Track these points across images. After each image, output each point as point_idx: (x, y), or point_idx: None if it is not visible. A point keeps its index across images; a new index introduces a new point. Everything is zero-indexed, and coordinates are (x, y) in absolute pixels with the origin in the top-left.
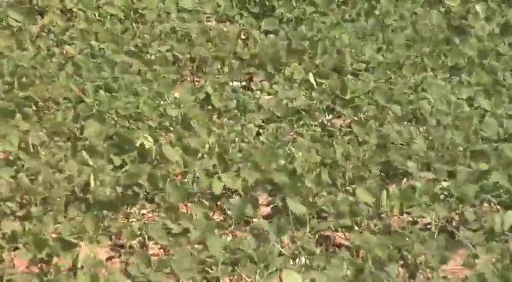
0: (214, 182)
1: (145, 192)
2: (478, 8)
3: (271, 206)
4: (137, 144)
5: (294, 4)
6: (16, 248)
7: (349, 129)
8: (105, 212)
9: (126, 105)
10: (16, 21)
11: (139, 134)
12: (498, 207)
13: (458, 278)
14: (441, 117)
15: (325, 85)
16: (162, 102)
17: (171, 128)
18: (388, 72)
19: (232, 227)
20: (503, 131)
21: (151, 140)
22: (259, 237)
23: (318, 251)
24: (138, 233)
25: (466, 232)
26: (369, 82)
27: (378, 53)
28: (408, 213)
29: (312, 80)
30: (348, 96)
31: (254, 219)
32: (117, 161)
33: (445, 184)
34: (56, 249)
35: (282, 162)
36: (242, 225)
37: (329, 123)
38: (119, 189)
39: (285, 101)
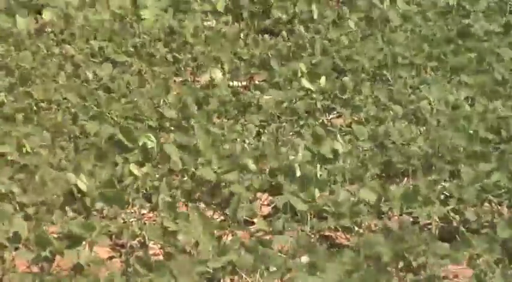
0: (214, 179)
1: (145, 191)
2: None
3: (272, 205)
4: (140, 144)
5: (293, 4)
6: (17, 248)
7: (349, 129)
8: (105, 211)
9: (125, 105)
10: (15, 22)
11: (142, 134)
12: (499, 207)
13: (459, 278)
14: (441, 117)
15: (325, 85)
16: (161, 102)
17: (171, 128)
18: (389, 72)
19: (232, 227)
20: (503, 131)
21: (154, 139)
22: (259, 237)
23: (318, 251)
24: (138, 233)
25: (466, 232)
26: (369, 82)
27: (378, 53)
28: (408, 213)
29: (306, 84)
30: (347, 96)
31: (254, 219)
32: (119, 160)
33: (445, 184)
34: (57, 249)
35: (283, 162)
36: (242, 225)
37: (329, 123)
38: (119, 189)
39: (284, 101)
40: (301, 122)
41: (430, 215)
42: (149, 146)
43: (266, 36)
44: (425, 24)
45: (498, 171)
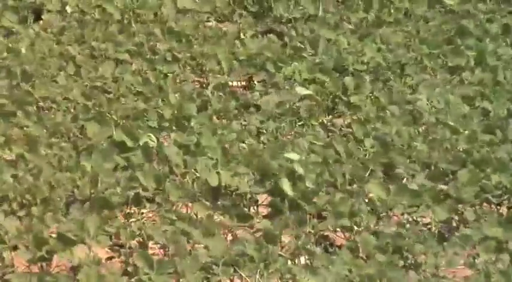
0: (214, 180)
1: (146, 191)
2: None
3: (271, 206)
4: (141, 143)
5: (293, 4)
6: (16, 248)
7: (350, 130)
8: (105, 211)
9: (126, 105)
10: (13, 22)
11: (143, 133)
12: (498, 207)
13: (459, 278)
14: (441, 117)
15: (326, 85)
16: (161, 102)
17: (171, 128)
18: (388, 72)
19: (232, 227)
20: (503, 131)
21: (154, 139)
22: (259, 237)
23: (318, 251)
24: (138, 233)
25: (466, 232)
26: (369, 82)
27: (378, 54)
28: (408, 213)
29: (303, 91)
30: (349, 97)
31: (254, 219)
32: (119, 160)
33: (444, 186)
34: (57, 249)
35: (283, 162)
36: (242, 225)
37: (329, 123)
38: (119, 189)
39: (285, 101)
40: (301, 122)
41: (429, 215)
42: (150, 146)
43: (266, 35)
44: (424, 24)
45: (497, 171)
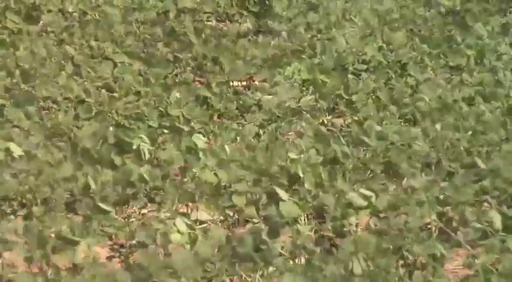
0: (214, 180)
1: (146, 191)
2: None
3: (271, 206)
4: (134, 146)
5: (294, 3)
6: (17, 248)
7: (350, 129)
8: (104, 211)
9: (126, 105)
10: (14, 22)
11: (136, 135)
12: (498, 207)
13: (459, 277)
14: (441, 117)
15: (327, 85)
16: (162, 103)
17: (171, 128)
18: (389, 71)
19: (232, 227)
20: (503, 131)
21: (147, 140)
22: (259, 237)
23: (317, 250)
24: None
25: (465, 232)
26: (370, 82)
27: (379, 53)
28: (408, 213)
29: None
30: (349, 96)
31: (254, 219)
32: (117, 160)
33: (444, 184)
34: (57, 248)
35: (282, 162)
36: (242, 225)
37: (330, 123)
38: (119, 189)
39: (285, 101)
40: (302, 122)
41: (429, 214)
42: (145, 148)
43: (267, 34)
44: (425, 24)
45: (497, 171)
